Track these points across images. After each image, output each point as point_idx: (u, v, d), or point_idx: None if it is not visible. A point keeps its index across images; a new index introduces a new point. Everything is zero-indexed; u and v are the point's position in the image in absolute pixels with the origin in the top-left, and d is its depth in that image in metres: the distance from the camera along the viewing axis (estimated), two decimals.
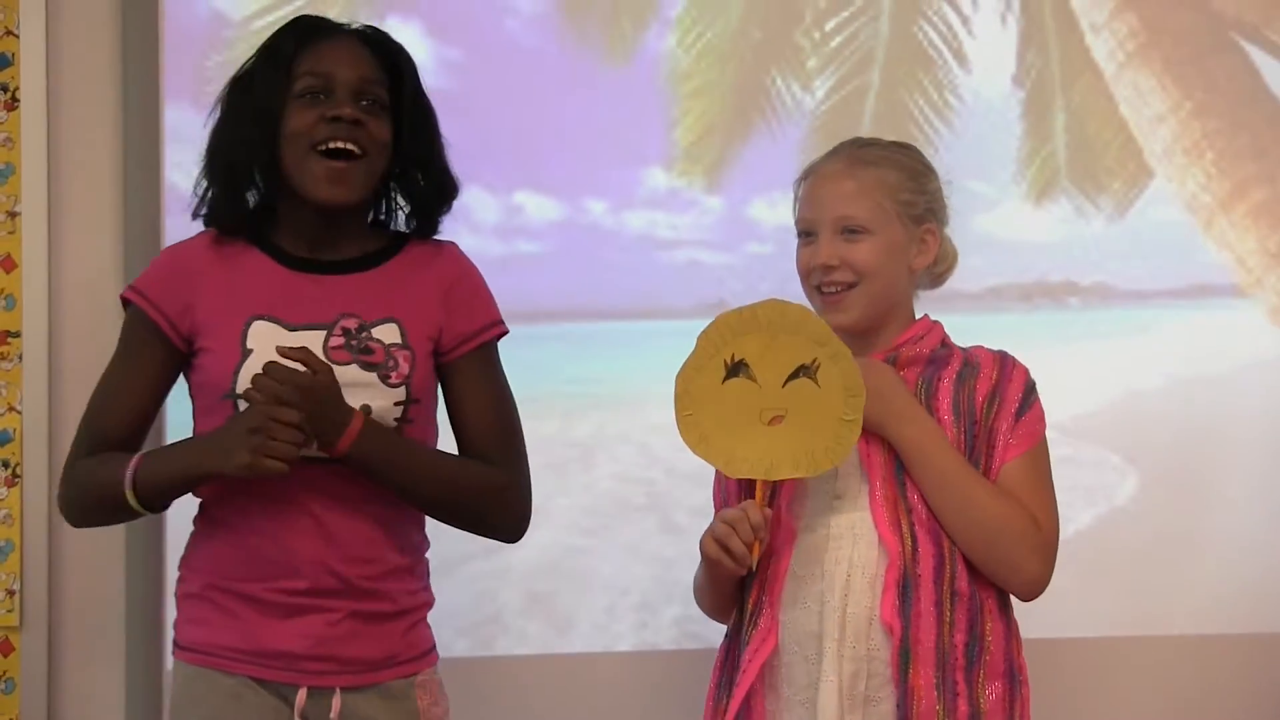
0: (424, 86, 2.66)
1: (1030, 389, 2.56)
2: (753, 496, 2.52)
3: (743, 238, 3.64)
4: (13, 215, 3.51)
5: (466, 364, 2.62)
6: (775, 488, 2.55)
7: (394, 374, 2.54)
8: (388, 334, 2.56)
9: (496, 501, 2.61)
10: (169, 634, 3.26)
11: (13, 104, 3.52)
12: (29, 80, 3.51)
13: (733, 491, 2.64)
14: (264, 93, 2.56)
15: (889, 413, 2.50)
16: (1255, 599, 3.67)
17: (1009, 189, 3.60)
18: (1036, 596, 2.50)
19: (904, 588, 2.47)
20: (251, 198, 2.62)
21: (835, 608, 2.50)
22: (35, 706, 3.46)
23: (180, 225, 3.46)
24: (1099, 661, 3.50)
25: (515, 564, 3.53)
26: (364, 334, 2.54)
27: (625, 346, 3.60)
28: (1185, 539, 3.67)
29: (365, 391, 2.52)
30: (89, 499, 2.56)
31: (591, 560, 3.59)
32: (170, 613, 3.42)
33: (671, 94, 3.64)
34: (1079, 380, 3.50)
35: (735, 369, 2.49)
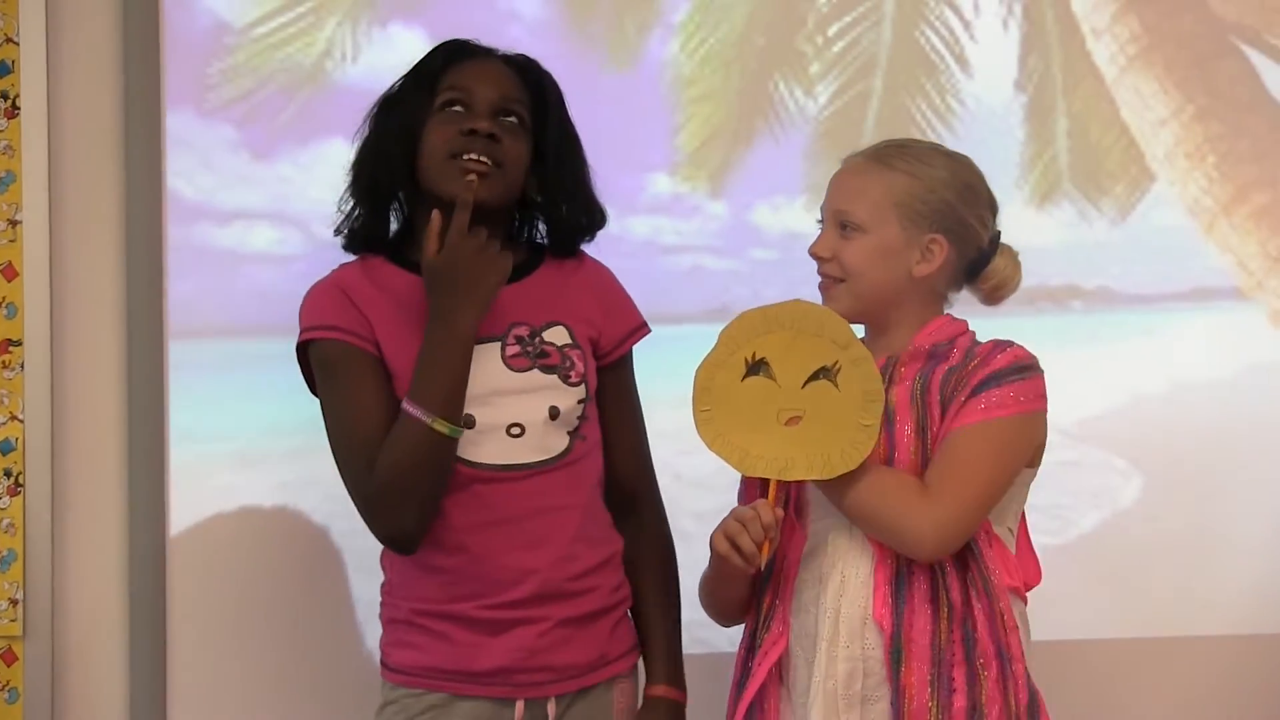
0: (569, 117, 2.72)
1: (1012, 370, 2.53)
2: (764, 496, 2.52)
3: (747, 243, 3.64)
4: (14, 223, 3.51)
5: (620, 369, 2.73)
6: (791, 489, 2.56)
7: (573, 373, 2.62)
8: (558, 336, 2.63)
9: None
10: (172, 642, 3.28)
11: (13, 111, 3.51)
12: (29, 87, 3.51)
13: (750, 492, 2.64)
14: (408, 109, 2.62)
15: None
16: (1260, 600, 3.67)
17: (1011, 193, 3.60)
18: (930, 558, 2.48)
19: (896, 585, 2.48)
20: (395, 219, 2.63)
21: (828, 609, 2.51)
22: (39, 716, 3.46)
23: (182, 233, 3.50)
24: (1104, 663, 3.50)
25: None
26: (536, 339, 2.60)
27: None
28: (1189, 541, 3.67)
29: (549, 394, 2.59)
30: (407, 475, 2.49)
31: None
32: (173, 623, 3.45)
33: (675, 100, 3.65)
34: (1083, 384, 3.50)
35: (756, 367, 2.50)
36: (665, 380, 3.52)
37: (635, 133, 3.61)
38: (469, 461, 2.55)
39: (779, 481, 2.51)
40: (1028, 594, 2.64)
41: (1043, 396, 2.57)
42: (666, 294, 3.55)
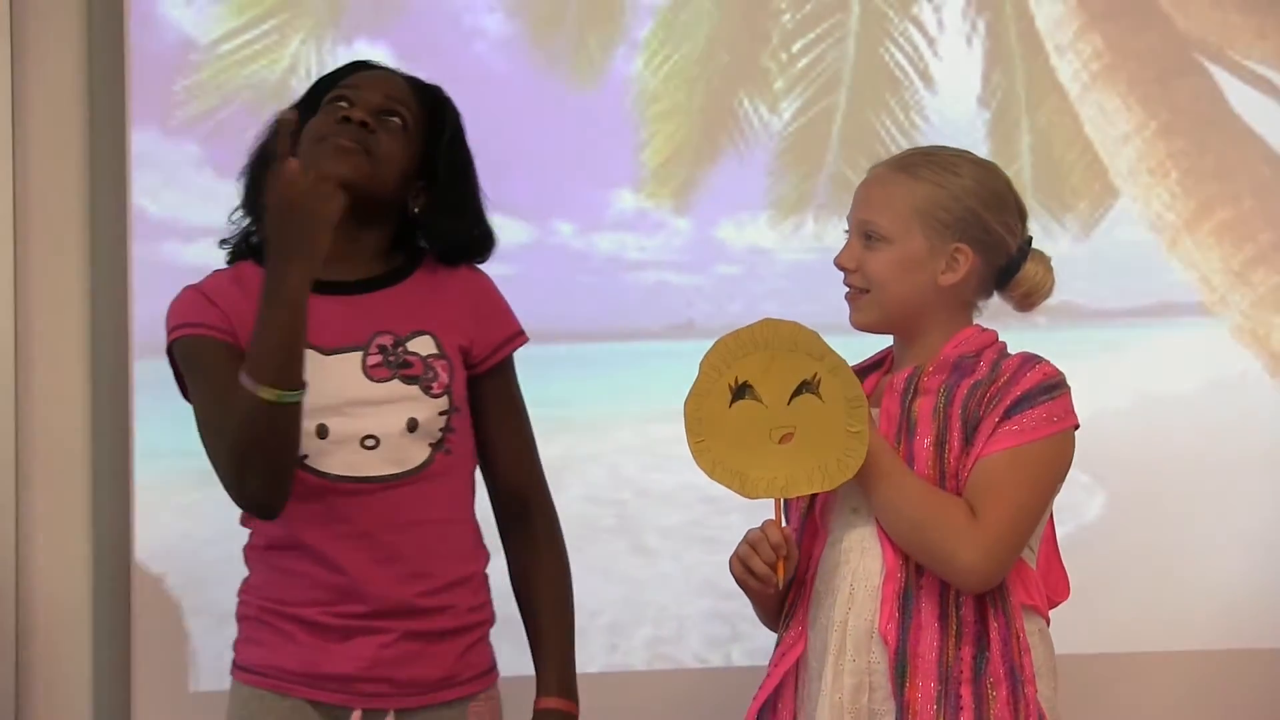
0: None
1: (1042, 390, 2.50)
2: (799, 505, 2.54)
3: (711, 259, 3.65)
4: None
5: (497, 378, 2.66)
6: (809, 500, 2.57)
7: (435, 384, 2.56)
8: (423, 346, 2.57)
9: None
10: (136, 659, 3.27)
11: None
12: None
13: (792, 504, 2.63)
14: (304, 117, 2.56)
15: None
16: (1224, 616, 3.69)
17: None
18: (978, 589, 2.48)
19: (904, 600, 2.47)
20: None
21: (836, 622, 2.50)
22: None
23: (148, 250, 3.49)
24: (1067, 679, 3.51)
25: None
26: (399, 349, 2.55)
27: (594, 368, 3.60)
28: (1153, 556, 3.68)
29: (409, 405, 2.53)
30: (246, 445, 2.43)
31: None
32: (138, 635, 3.44)
33: (639, 116, 3.65)
34: None
35: (740, 391, 2.49)
36: (630, 396, 3.55)
37: (599, 149, 3.62)
38: (319, 472, 2.51)
39: (781, 500, 2.51)
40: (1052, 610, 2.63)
41: (1072, 412, 2.55)
42: (631, 310, 3.56)
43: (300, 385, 2.42)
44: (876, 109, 3.70)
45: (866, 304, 2.57)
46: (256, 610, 2.58)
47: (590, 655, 3.59)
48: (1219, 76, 3.82)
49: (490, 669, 2.68)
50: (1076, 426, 2.54)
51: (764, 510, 2.51)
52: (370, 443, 2.52)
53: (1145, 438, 3.72)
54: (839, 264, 2.59)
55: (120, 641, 3.48)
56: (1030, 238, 2.65)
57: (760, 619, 2.69)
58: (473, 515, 2.66)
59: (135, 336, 3.49)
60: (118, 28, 3.53)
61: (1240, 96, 3.81)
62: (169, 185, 3.52)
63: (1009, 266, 2.61)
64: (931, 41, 3.73)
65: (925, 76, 3.72)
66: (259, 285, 2.46)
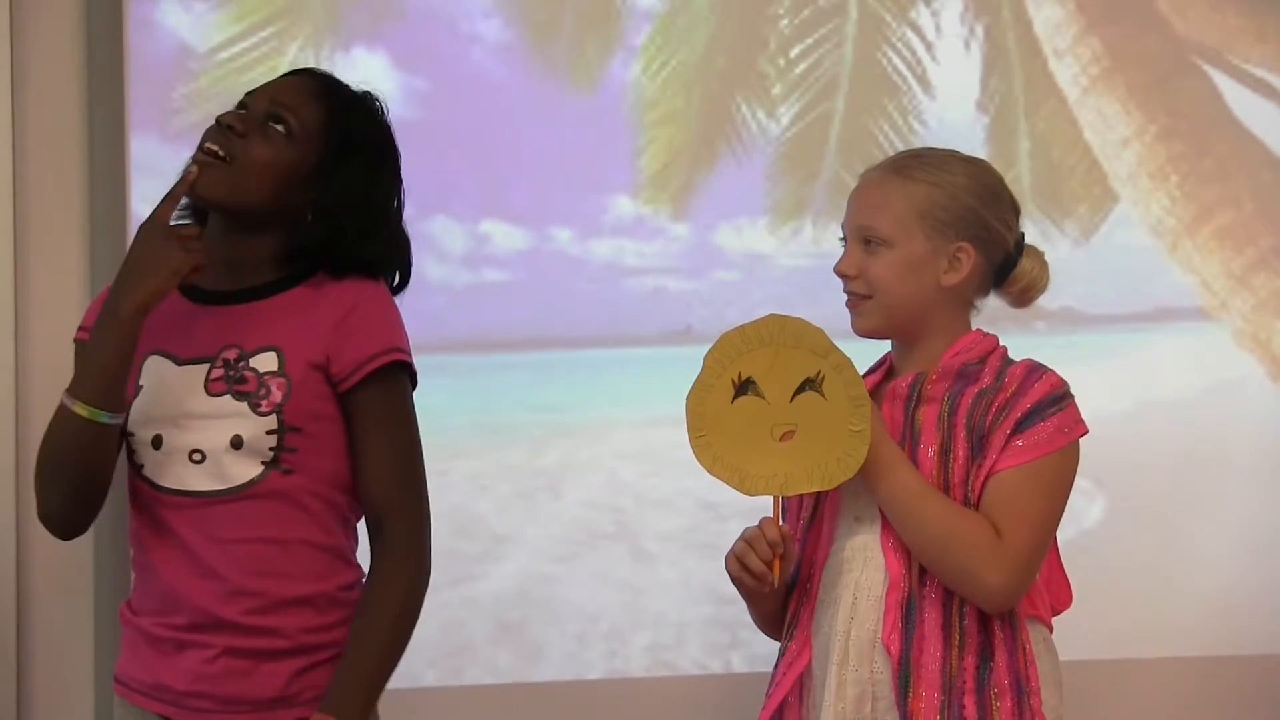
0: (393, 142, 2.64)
1: (1051, 402, 2.50)
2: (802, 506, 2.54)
3: (709, 264, 3.64)
4: None
5: (363, 394, 2.54)
6: (812, 508, 2.56)
7: (264, 402, 2.49)
8: (265, 362, 2.51)
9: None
10: None
11: None
12: None
13: (790, 508, 2.63)
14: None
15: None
16: (1225, 621, 3.68)
17: None
18: (1003, 608, 2.49)
19: (907, 610, 2.47)
20: None
21: (839, 632, 2.49)
22: None
23: None
24: (1068, 685, 3.50)
25: (484, 593, 3.53)
26: (241, 364, 2.51)
27: (593, 374, 3.60)
28: (1152, 562, 3.67)
29: (236, 422, 2.48)
30: (48, 456, 2.48)
31: (561, 588, 3.58)
32: None
33: (637, 122, 3.65)
34: None
35: (743, 387, 2.49)
36: (628, 402, 3.55)
37: (597, 155, 3.62)
38: (152, 482, 2.50)
39: (779, 497, 2.51)
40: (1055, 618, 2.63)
41: (1081, 420, 2.54)
42: (629, 316, 3.55)
43: (116, 409, 2.42)
44: (874, 114, 3.70)
45: (869, 309, 2.56)
46: (123, 619, 2.58)
47: (589, 661, 3.60)
48: (1219, 80, 3.81)
49: (321, 696, 2.51)
50: (1085, 433, 2.54)
51: (764, 514, 2.51)
52: (197, 457, 2.49)
53: (1146, 443, 3.71)
54: (840, 272, 2.57)
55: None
56: (1023, 233, 2.64)
57: (755, 622, 2.69)
58: (328, 536, 2.56)
59: None
60: (116, 35, 3.53)
61: (1240, 100, 3.81)
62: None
63: (1006, 263, 2.61)
64: (929, 46, 3.72)
65: (923, 81, 3.72)
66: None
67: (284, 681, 2.50)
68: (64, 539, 2.56)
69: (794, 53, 3.69)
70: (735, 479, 2.50)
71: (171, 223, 2.47)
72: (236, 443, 2.48)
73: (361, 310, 2.55)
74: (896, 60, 3.71)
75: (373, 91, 2.65)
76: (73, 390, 2.42)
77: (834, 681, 2.48)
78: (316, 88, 2.59)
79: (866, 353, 2.63)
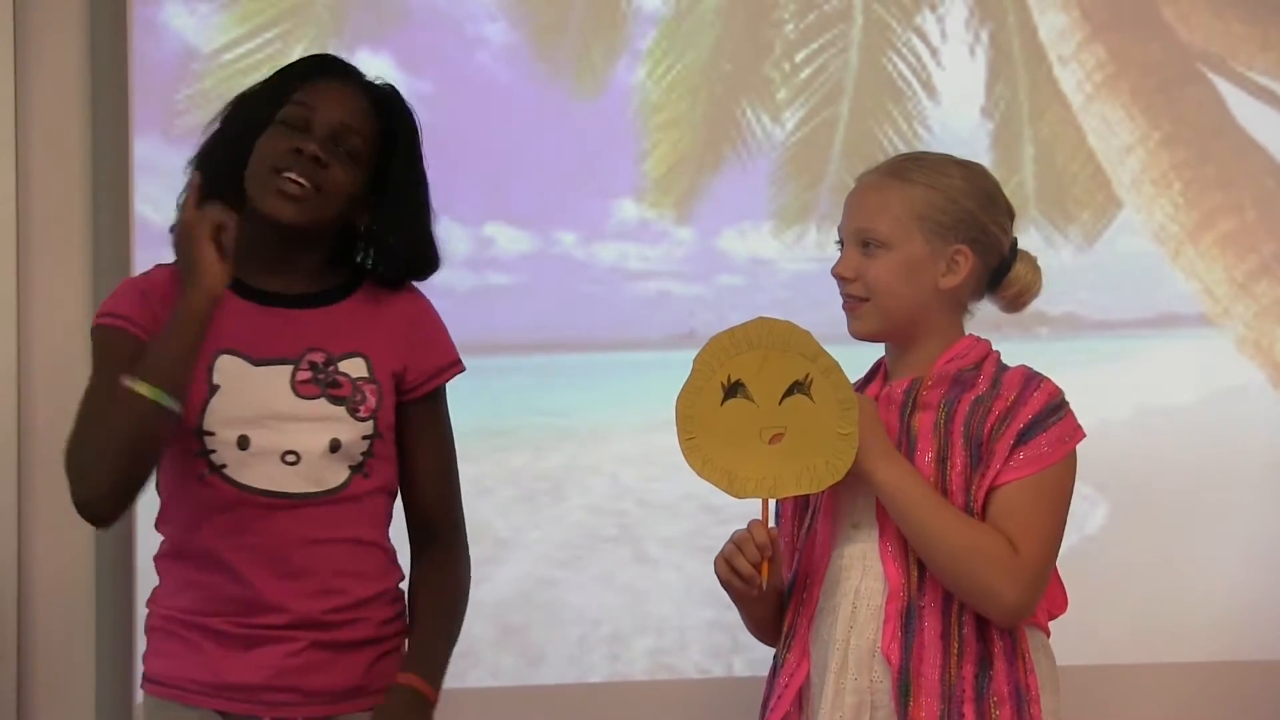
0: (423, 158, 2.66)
1: (1050, 412, 2.50)
2: (800, 512, 2.53)
3: (713, 269, 3.65)
4: None
5: (425, 404, 2.62)
6: (810, 515, 2.56)
7: (362, 407, 2.54)
8: (354, 368, 2.55)
9: None
10: (139, 667, 3.26)
11: None
12: None
13: (785, 514, 2.63)
14: (252, 117, 2.56)
15: (864, 451, 2.49)
16: (1225, 627, 3.68)
17: None
18: (1016, 622, 2.49)
19: (907, 619, 2.46)
20: None
21: (838, 640, 2.49)
22: None
23: (150, 259, 3.47)
24: (1069, 691, 3.50)
25: (487, 596, 3.52)
26: (331, 368, 2.53)
27: (596, 377, 3.60)
28: (1154, 568, 3.68)
29: (333, 425, 2.51)
30: (94, 431, 2.42)
31: (563, 592, 3.59)
32: (141, 646, 3.43)
33: (642, 126, 3.66)
34: None
35: (733, 389, 2.49)
36: (632, 405, 3.55)
37: (602, 158, 3.63)
38: (237, 482, 2.50)
39: (768, 500, 2.51)
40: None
41: (1079, 426, 2.53)
42: (633, 320, 3.56)
43: (180, 397, 2.41)
44: (879, 119, 3.70)
45: (866, 312, 2.55)
46: (162, 620, 2.55)
47: (591, 665, 3.60)
48: (1222, 87, 3.82)
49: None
50: (1084, 438, 2.54)
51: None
52: (291, 459, 2.50)
53: (1148, 449, 3.72)
54: (838, 274, 2.57)
55: (123, 641, 3.48)
56: (1016, 238, 2.64)
57: (747, 626, 2.68)
58: (387, 538, 2.63)
59: None
60: (121, 36, 3.53)
61: (1243, 107, 3.81)
62: (171, 193, 3.46)
63: (1001, 267, 2.61)
64: (934, 52, 3.73)
65: (928, 87, 3.72)
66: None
67: (361, 672, 2.55)
68: (102, 526, 2.51)
69: (799, 58, 3.70)
70: (724, 481, 2.50)
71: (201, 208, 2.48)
72: (334, 446, 2.51)
73: (427, 321, 2.65)
74: (901, 66, 3.71)
75: (393, 85, 2.67)
76: (138, 372, 2.39)
77: (831, 690, 2.48)
78: (369, 104, 2.59)
79: (861, 358, 2.63)
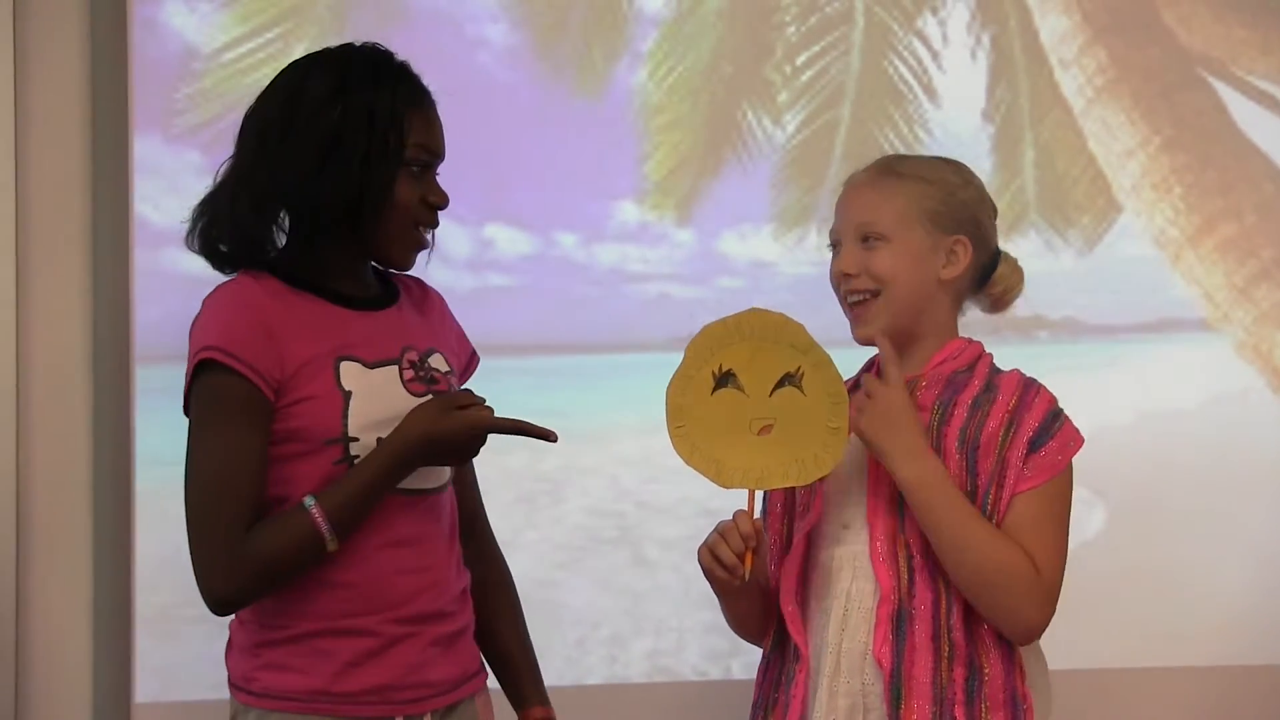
0: None
1: (1053, 419, 2.51)
2: (790, 508, 2.53)
3: (714, 271, 3.65)
4: None
5: None
6: (790, 514, 2.56)
7: None
8: (440, 363, 2.59)
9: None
10: (135, 676, 3.26)
11: None
12: None
13: (774, 511, 2.63)
14: (374, 157, 2.50)
15: (894, 447, 2.47)
16: (1223, 632, 3.69)
17: None
18: (1031, 641, 2.50)
19: (898, 622, 2.46)
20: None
21: (830, 643, 2.49)
22: None
23: (149, 258, 3.49)
24: (1066, 695, 3.50)
25: None
26: (425, 364, 2.56)
27: (596, 379, 3.61)
28: (1153, 572, 3.68)
29: None
30: (281, 568, 2.44)
31: (561, 593, 3.59)
32: (137, 655, 3.43)
33: (643, 128, 3.66)
34: None
35: (723, 379, 2.49)
36: (631, 408, 3.55)
37: (602, 160, 3.63)
38: None
39: (754, 491, 2.50)
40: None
41: (1078, 432, 2.54)
42: (633, 322, 3.56)
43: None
44: (880, 122, 3.70)
45: (878, 309, 2.54)
46: (290, 634, 2.51)
47: (589, 667, 3.60)
48: (1223, 92, 3.82)
49: (483, 665, 2.68)
50: (1083, 444, 2.54)
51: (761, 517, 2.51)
52: None
53: (1147, 453, 3.72)
54: (842, 270, 2.56)
55: (121, 649, 3.47)
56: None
57: (728, 621, 2.68)
58: None
59: (137, 343, 3.50)
60: (120, 35, 3.52)
61: (1244, 112, 3.82)
62: (171, 193, 3.51)
63: (990, 264, 2.62)
64: (936, 55, 3.73)
65: (929, 90, 3.72)
66: (293, 302, 2.49)
67: (465, 659, 2.59)
68: (221, 615, 2.52)
69: (800, 60, 3.70)
70: (712, 471, 2.50)
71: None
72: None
73: (449, 310, 2.71)
74: (903, 69, 3.71)
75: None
76: (333, 523, 2.43)
77: (825, 693, 2.48)
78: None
79: (857, 360, 2.63)
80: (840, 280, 2.58)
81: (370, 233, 2.52)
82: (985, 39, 3.73)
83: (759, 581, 2.56)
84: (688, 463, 2.50)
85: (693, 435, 2.50)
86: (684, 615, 3.56)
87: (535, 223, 3.62)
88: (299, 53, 3.48)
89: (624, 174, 3.64)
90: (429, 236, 2.57)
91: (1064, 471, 2.51)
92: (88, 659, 3.49)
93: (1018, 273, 2.66)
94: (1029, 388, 2.54)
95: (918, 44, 3.72)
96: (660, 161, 3.66)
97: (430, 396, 2.53)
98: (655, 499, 3.53)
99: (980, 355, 2.59)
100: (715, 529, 2.51)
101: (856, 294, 2.56)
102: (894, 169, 2.60)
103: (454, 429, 2.46)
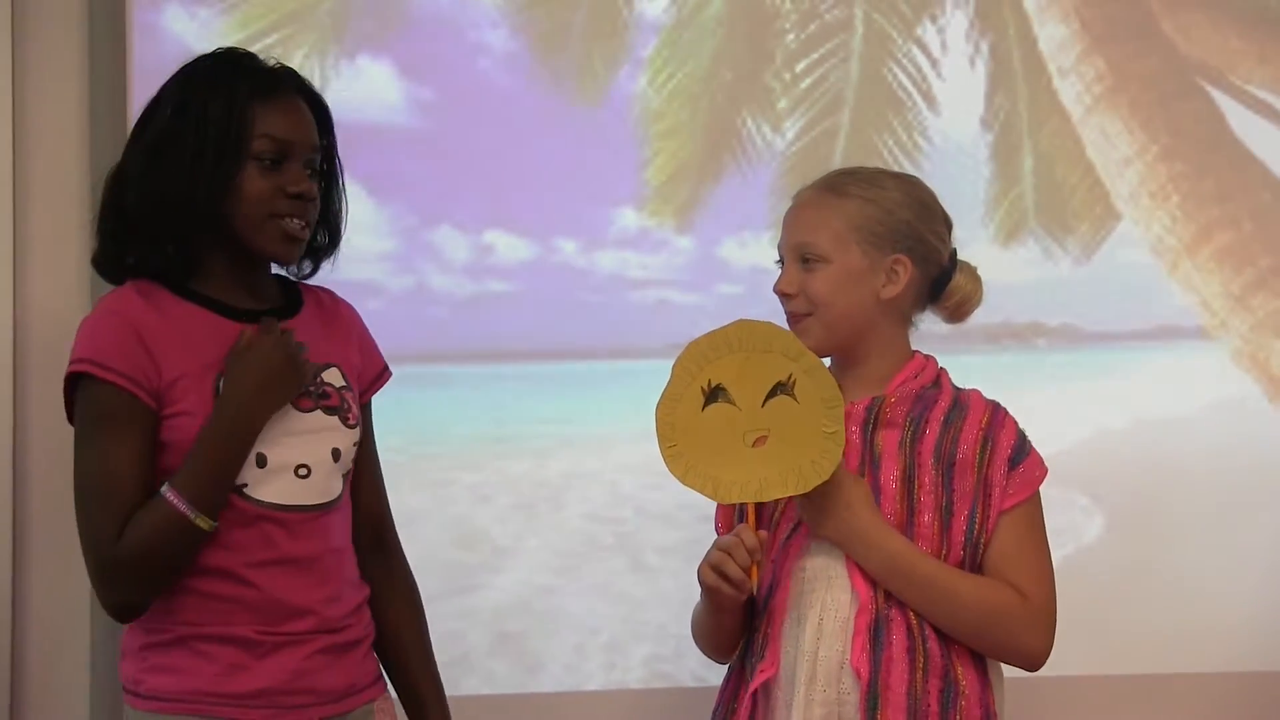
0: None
1: (1022, 439, 2.56)
2: (744, 521, 2.51)
3: (713, 278, 3.65)
4: None
5: (367, 409, 2.69)
6: (776, 515, 2.56)
7: (350, 415, 2.58)
8: (333, 377, 2.59)
9: None
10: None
11: None
12: None
13: (725, 519, 2.63)
14: (208, 154, 2.50)
15: (852, 533, 2.49)
16: (1221, 638, 3.69)
17: (977, 231, 3.62)
18: (1040, 667, 2.51)
19: (875, 632, 2.47)
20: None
21: (806, 653, 2.49)
22: None
23: None
24: (1064, 701, 3.51)
25: (484, 604, 3.53)
26: (317, 379, 2.56)
27: (596, 386, 3.60)
28: (1150, 579, 3.68)
29: (331, 435, 2.55)
30: (158, 561, 2.45)
31: (561, 600, 3.59)
32: None
33: (643, 134, 3.66)
34: (1046, 421, 3.48)
35: (713, 394, 2.48)
36: (630, 414, 3.54)
37: (602, 166, 3.63)
38: (257, 500, 2.50)
39: (754, 504, 2.50)
40: None
41: (1041, 458, 2.59)
42: (632, 328, 3.56)
43: (258, 462, 2.47)
44: (879, 129, 3.70)
45: (809, 327, 2.57)
46: (170, 637, 2.52)
47: (588, 673, 3.60)
48: (1220, 101, 3.82)
49: (380, 676, 2.68)
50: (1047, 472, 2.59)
51: None
52: (303, 472, 2.52)
53: (1144, 460, 3.73)
54: (780, 290, 2.60)
55: (119, 649, 3.47)
56: (955, 249, 2.66)
57: (705, 637, 2.68)
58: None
59: None
60: (120, 40, 3.52)
61: (1241, 121, 3.82)
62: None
63: (941, 277, 2.63)
64: (935, 63, 3.73)
65: (928, 97, 3.72)
66: (175, 313, 2.49)
67: (354, 670, 2.59)
68: (122, 621, 2.54)
69: (800, 67, 3.70)
70: (709, 488, 2.49)
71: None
72: (335, 455, 2.55)
73: (363, 326, 2.71)
74: (902, 76, 3.72)
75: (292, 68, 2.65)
76: (193, 500, 2.42)
77: (801, 702, 2.49)
78: (309, 110, 2.59)
79: None
80: (781, 299, 2.60)
81: (231, 230, 2.51)
82: (984, 47, 3.73)
83: (753, 594, 2.57)
84: (684, 482, 2.50)
85: (687, 454, 2.50)
86: (683, 621, 3.50)
87: (535, 229, 3.61)
88: (298, 60, 3.53)
89: (624, 180, 3.64)
90: (297, 225, 2.52)
91: (1038, 490, 2.53)
92: (85, 659, 3.49)
93: (975, 282, 2.66)
94: (996, 407, 2.59)
95: (917, 51, 3.72)
96: (660, 168, 3.66)
97: (319, 412, 2.53)
98: (655, 505, 3.53)
99: (939, 371, 2.61)
100: (715, 545, 2.51)
101: (793, 315, 2.59)
102: (836, 187, 2.61)
103: (262, 350, 2.46)
